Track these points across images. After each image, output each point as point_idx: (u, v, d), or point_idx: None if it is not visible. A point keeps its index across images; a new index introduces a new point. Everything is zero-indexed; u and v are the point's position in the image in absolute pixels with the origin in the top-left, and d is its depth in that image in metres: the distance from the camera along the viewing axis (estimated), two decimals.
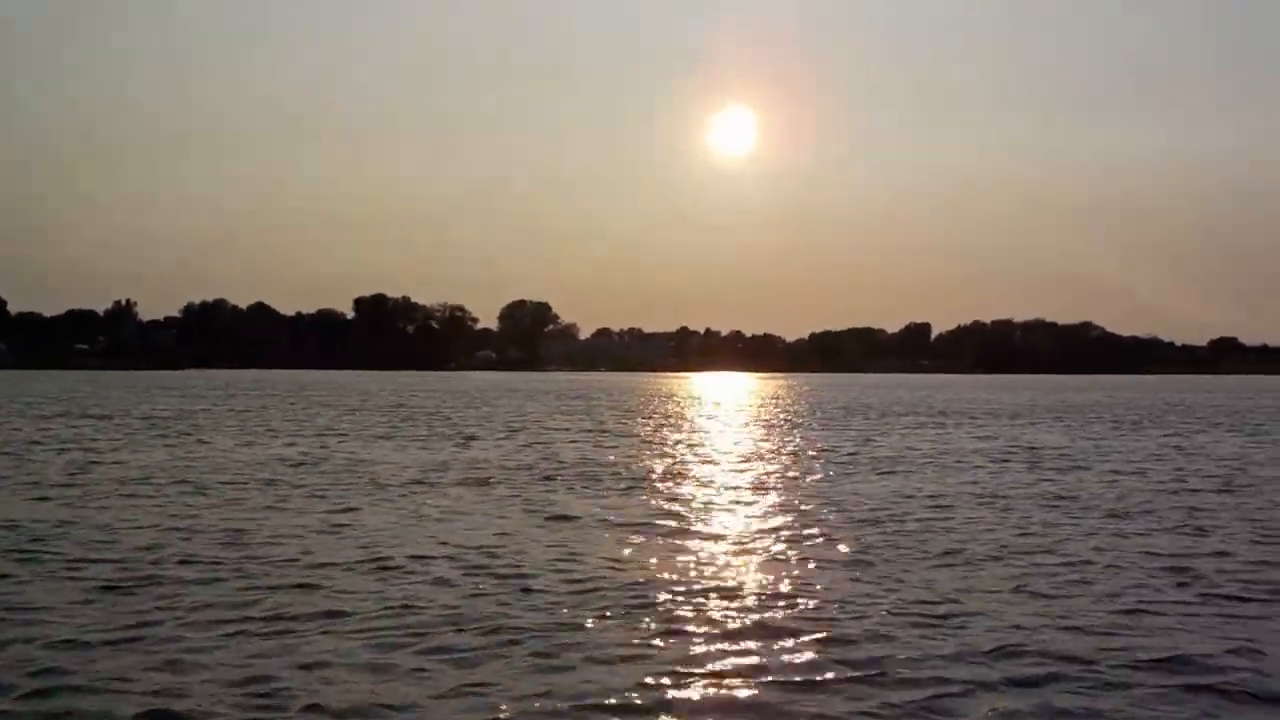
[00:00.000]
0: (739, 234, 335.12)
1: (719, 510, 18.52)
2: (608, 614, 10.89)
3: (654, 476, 23.82)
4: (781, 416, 53.32)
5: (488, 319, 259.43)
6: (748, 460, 28.41)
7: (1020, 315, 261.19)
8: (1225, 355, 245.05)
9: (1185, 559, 13.97)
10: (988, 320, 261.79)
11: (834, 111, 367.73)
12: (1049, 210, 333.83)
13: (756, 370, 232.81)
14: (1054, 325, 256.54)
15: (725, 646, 9.80)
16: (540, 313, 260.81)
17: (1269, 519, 17.65)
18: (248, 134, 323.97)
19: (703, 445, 33.99)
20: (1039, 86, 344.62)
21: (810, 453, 30.80)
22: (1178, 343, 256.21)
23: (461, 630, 10.22)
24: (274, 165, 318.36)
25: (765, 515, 17.87)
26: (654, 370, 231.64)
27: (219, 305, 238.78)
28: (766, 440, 36.27)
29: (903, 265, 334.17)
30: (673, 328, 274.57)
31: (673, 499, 19.93)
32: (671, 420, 49.23)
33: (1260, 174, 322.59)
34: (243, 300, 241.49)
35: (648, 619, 10.70)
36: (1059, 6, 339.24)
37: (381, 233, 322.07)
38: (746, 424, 47.01)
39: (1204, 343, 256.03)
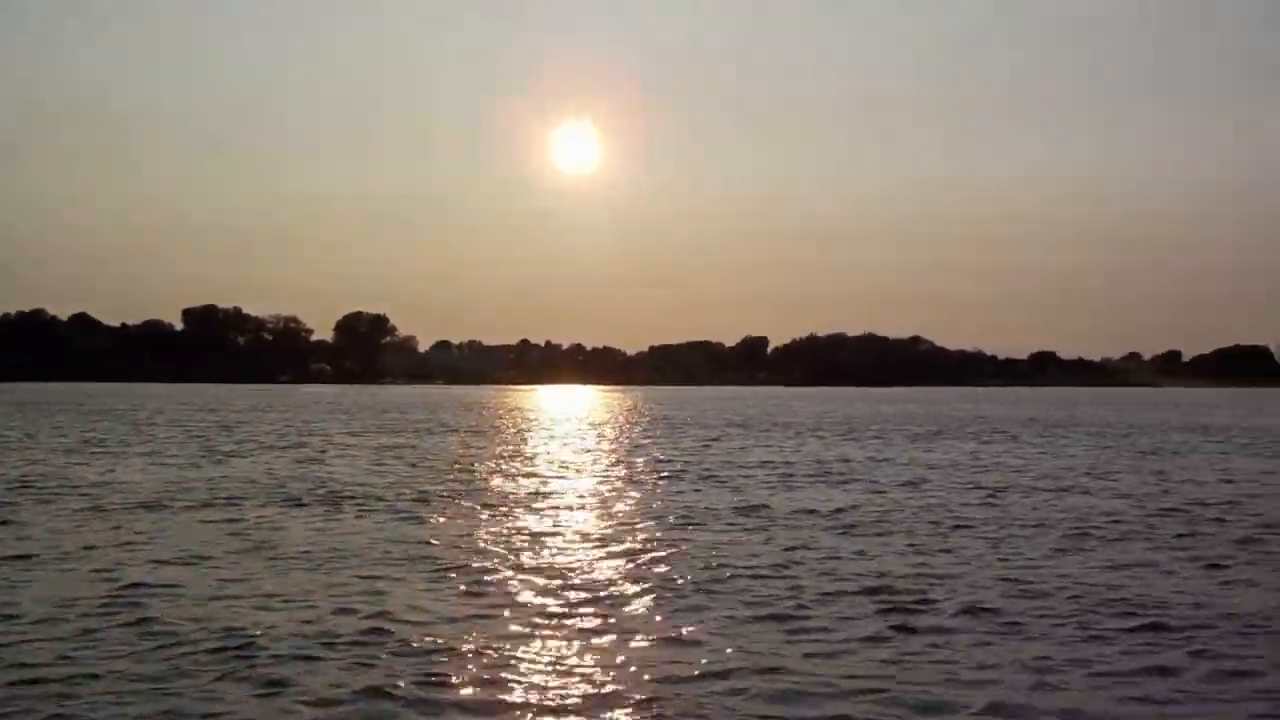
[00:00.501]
0: (580, 248, 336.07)
1: (441, 535, 17.73)
2: (191, 660, 9.98)
3: (423, 498, 22.78)
4: (553, 431, 52.85)
5: (323, 331, 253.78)
6: (524, 478, 27.70)
7: (853, 330, 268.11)
8: (1043, 368, 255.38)
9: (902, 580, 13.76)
10: (821, 334, 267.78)
11: (674, 128, 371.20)
12: (882, 227, 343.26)
13: (597, 383, 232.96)
14: (884, 339, 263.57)
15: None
16: (378, 324, 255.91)
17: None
18: (74, 139, 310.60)
19: (493, 464, 33.13)
20: (872, 103, 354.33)
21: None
22: (1000, 356, 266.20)
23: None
24: (101, 172, 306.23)
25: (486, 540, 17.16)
26: (495, 383, 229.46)
27: (36, 315, 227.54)
28: (542, 456, 35.63)
29: (741, 281, 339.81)
30: (513, 340, 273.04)
31: (420, 521, 19.09)
32: (478, 435, 48.25)
33: (1071, 190, 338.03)
34: (63, 311, 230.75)
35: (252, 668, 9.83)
36: (881, 29, 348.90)
37: (213, 243, 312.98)
38: (549, 439, 46.34)
39: (1025, 356, 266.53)
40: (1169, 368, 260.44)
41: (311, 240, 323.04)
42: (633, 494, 23.84)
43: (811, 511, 20.72)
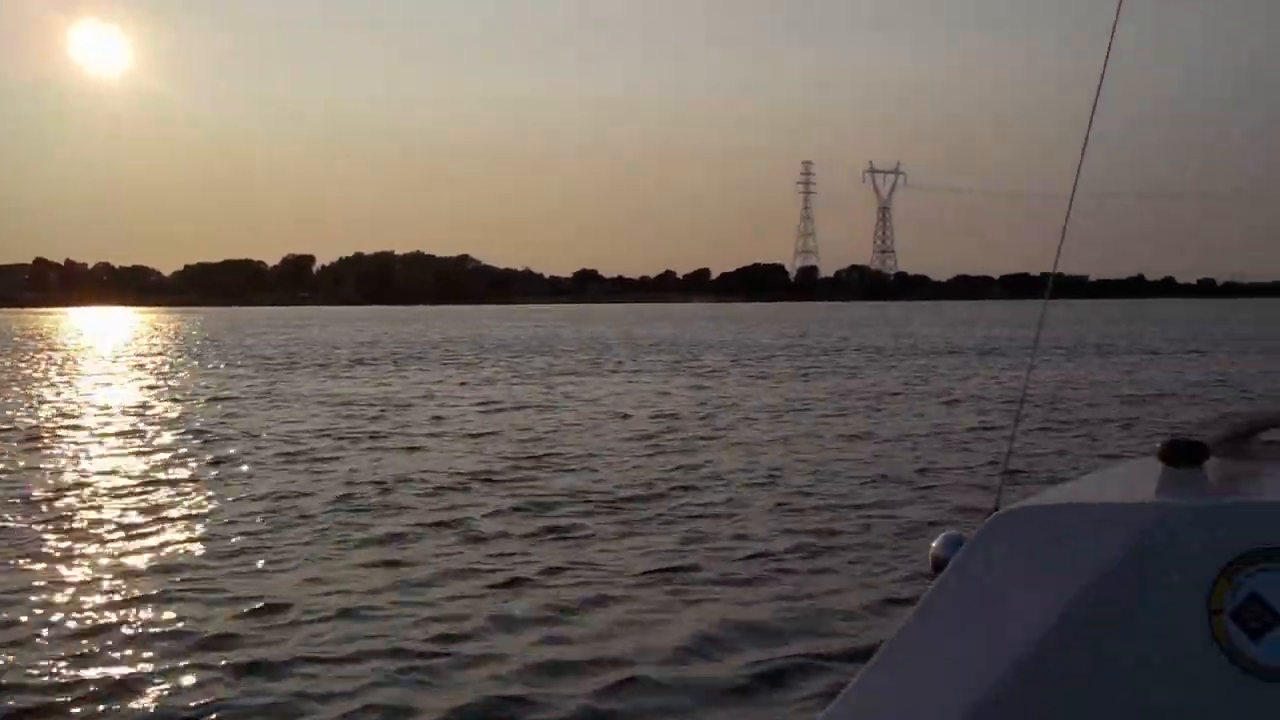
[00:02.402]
0: (101, 160, 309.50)
1: None
2: None
3: None
4: None
5: None
6: None
7: (401, 248, 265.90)
8: (586, 286, 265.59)
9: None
10: (369, 252, 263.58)
11: (218, 41, 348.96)
12: (428, 145, 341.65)
13: (131, 304, 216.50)
14: (433, 258, 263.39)
15: None
16: None
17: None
18: None
19: None
20: (410, 24, 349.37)
21: None
22: (546, 275, 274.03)
23: None
24: None
25: None
26: (11, 305, 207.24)
27: None
28: None
29: (284, 197, 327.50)
30: (28, 259, 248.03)
31: None
32: None
33: (605, 115, 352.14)
34: None
35: None
36: None
37: None
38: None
39: (569, 274, 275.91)
40: (698, 285, 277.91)
41: None
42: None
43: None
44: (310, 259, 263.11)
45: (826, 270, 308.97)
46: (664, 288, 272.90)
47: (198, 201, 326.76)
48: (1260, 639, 1.65)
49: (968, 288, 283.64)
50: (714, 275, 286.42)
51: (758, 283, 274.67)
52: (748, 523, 12.04)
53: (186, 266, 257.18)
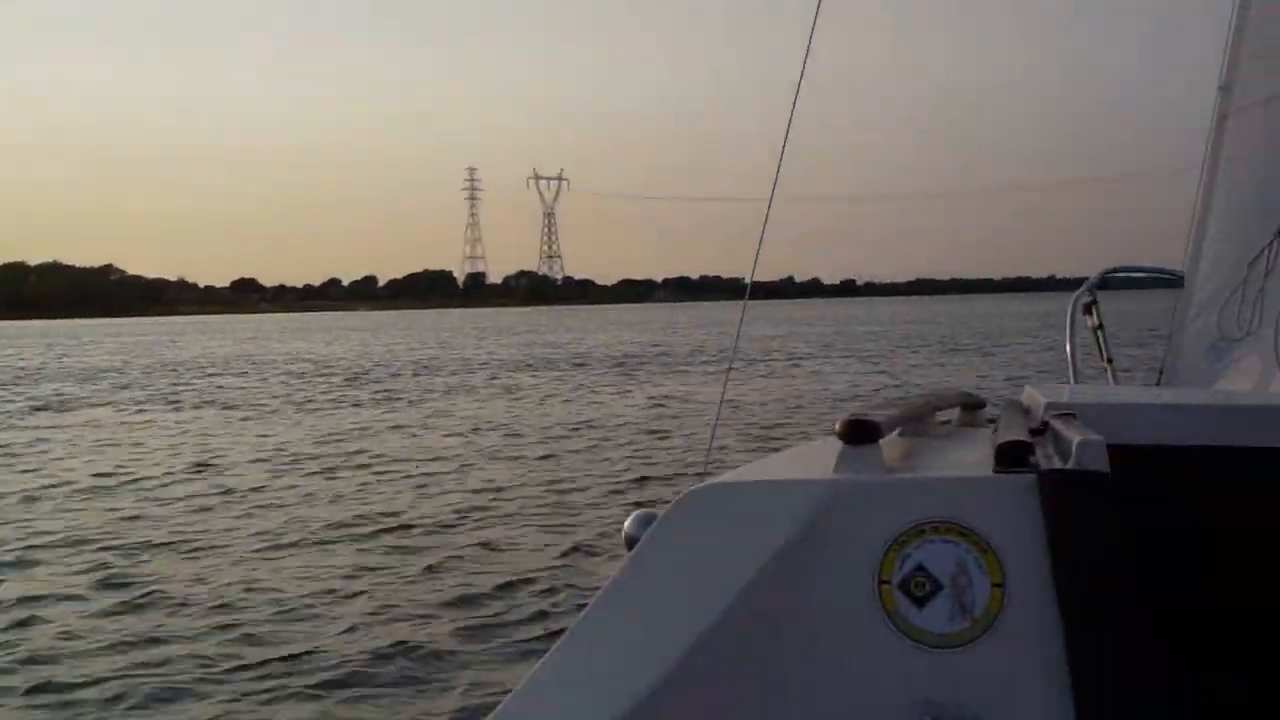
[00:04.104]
0: None
1: None
2: None
3: None
4: None
5: None
6: None
7: (35, 258, 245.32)
8: (246, 295, 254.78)
9: None
10: None
11: None
12: (66, 145, 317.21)
13: None
14: (72, 268, 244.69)
15: None
16: None
17: None
18: None
19: None
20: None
21: None
22: (201, 284, 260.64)
23: None
24: None
25: None
26: None
27: None
28: None
29: None
30: None
31: None
32: None
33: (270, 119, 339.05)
34: None
35: None
36: None
37: None
38: None
39: (226, 284, 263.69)
40: (366, 292, 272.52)
41: None
42: None
43: None
44: None
45: (495, 276, 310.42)
46: (329, 296, 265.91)
47: None
48: (924, 607, 1.70)
49: (632, 291, 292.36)
50: (381, 282, 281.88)
51: (426, 289, 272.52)
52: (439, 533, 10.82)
53: None
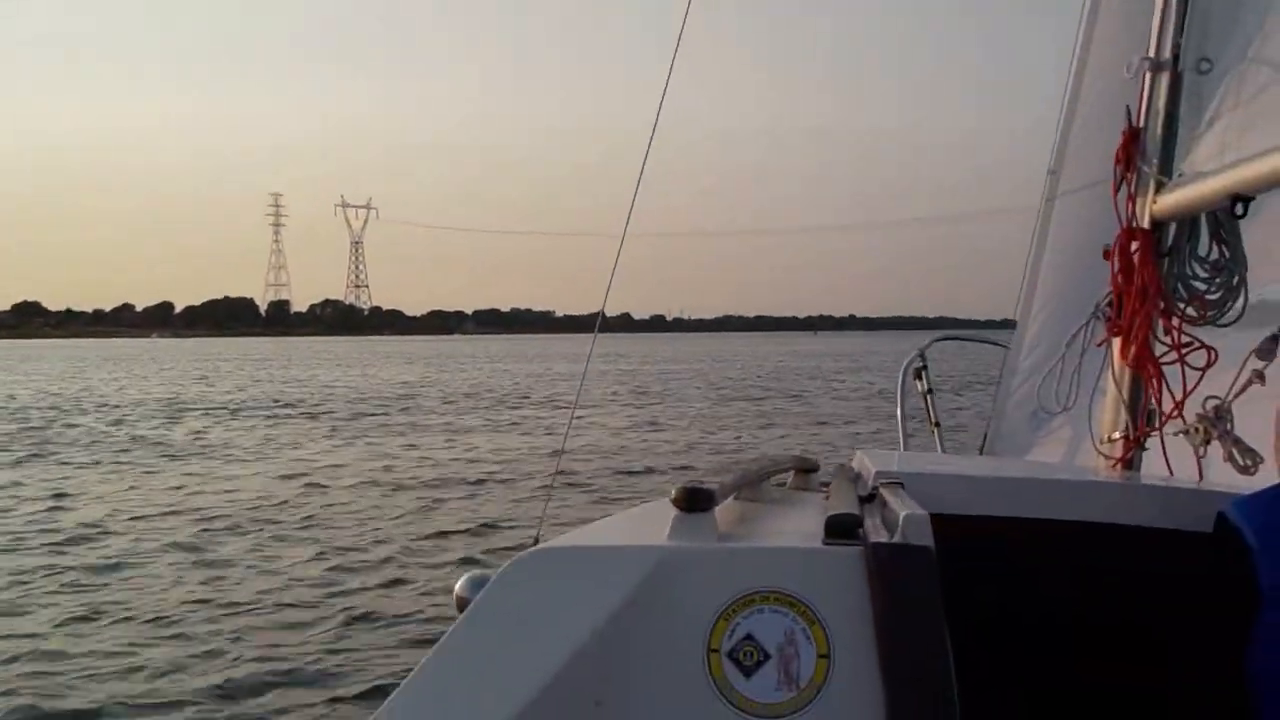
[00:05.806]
0: None
1: None
2: None
3: None
4: None
5: None
6: None
7: None
8: (30, 319, 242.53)
9: None
10: None
11: None
12: None
13: None
14: None
15: None
16: None
17: None
18: None
19: None
20: None
21: None
22: None
23: None
24: None
25: None
26: None
27: None
28: None
29: None
30: None
31: None
32: None
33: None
34: None
35: None
36: None
37: None
38: None
39: (7, 307, 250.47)
40: (161, 318, 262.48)
41: None
42: None
43: None
44: None
45: (300, 305, 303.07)
46: (121, 321, 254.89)
47: None
48: (751, 676, 1.72)
49: (441, 322, 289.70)
50: (178, 309, 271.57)
51: (226, 316, 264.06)
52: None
53: None
